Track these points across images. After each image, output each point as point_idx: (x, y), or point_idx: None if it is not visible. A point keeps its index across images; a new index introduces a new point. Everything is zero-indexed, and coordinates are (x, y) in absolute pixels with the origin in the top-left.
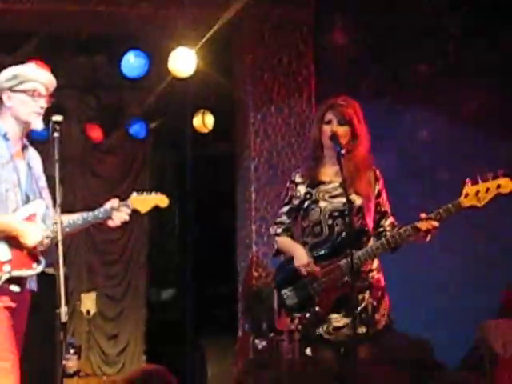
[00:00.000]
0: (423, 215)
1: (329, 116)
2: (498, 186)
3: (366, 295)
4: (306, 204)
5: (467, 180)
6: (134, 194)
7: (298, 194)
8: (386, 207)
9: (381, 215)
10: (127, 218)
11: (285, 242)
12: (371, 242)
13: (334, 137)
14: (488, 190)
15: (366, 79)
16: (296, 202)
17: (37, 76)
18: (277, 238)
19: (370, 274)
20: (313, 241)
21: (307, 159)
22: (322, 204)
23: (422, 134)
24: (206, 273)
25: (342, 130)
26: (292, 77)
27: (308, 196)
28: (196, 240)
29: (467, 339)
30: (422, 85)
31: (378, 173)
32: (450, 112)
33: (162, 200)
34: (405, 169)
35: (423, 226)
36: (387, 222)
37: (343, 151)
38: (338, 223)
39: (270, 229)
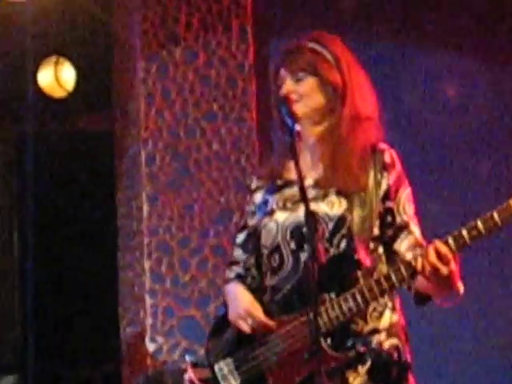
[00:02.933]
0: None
1: (281, 73)
2: None
3: (361, 372)
4: (257, 218)
5: None
6: None
7: (253, 208)
8: (406, 217)
9: (395, 231)
10: None
11: (229, 289)
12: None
13: (282, 104)
14: None
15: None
16: (253, 221)
17: None
18: (225, 287)
19: (374, 338)
20: (271, 280)
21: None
22: (280, 216)
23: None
24: (63, 347)
25: (301, 89)
26: None
27: (263, 206)
28: (46, 285)
29: None
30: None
31: (388, 156)
32: (490, 59)
33: None
34: (419, 151)
35: (419, 263)
36: (404, 244)
37: (297, 127)
38: (307, 247)
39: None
